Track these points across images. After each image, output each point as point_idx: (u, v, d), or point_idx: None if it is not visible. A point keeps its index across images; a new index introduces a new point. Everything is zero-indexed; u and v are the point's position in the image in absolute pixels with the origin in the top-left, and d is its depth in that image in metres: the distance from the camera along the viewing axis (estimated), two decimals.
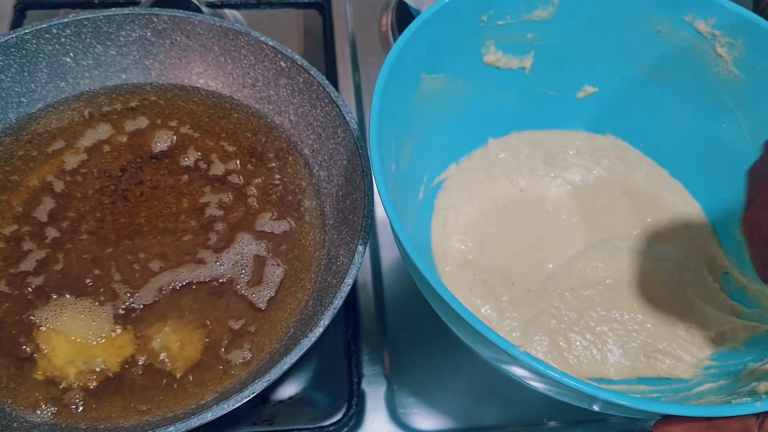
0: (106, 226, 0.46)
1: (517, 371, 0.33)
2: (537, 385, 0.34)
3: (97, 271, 0.44)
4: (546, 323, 0.43)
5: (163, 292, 0.44)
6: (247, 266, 0.45)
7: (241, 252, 0.46)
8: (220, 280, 0.44)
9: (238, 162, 0.50)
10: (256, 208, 0.48)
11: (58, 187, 0.47)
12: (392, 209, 0.34)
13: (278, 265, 0.45)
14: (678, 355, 0.42)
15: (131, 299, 0.43)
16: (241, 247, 0.46)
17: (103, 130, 0.50)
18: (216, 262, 0.45)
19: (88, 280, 0.43)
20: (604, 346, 0.43)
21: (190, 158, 0.50)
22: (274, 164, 0.50)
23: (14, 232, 0.45)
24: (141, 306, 0.43)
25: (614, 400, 0.29)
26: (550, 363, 0.42)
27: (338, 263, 0.44)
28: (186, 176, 0.49)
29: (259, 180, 0.49)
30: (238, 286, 0.44)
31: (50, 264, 0.44)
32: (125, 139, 0.50)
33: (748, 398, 0.33)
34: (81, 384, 0.40)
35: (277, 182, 0.49)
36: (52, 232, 0.45)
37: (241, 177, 0.49)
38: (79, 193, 0.47)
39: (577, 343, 0.43)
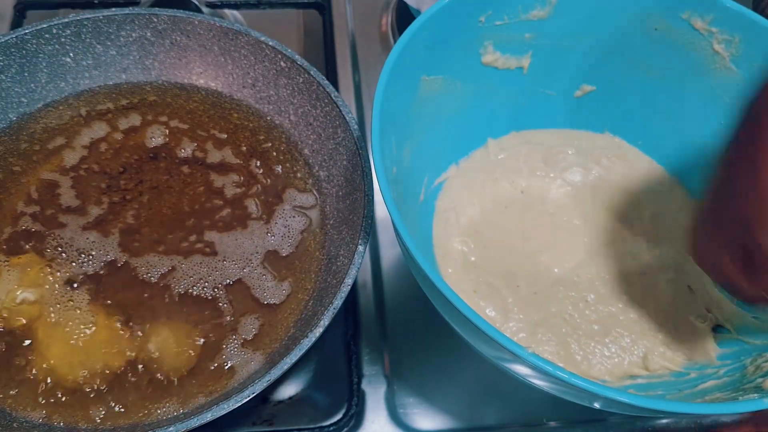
0: (133, 223, 0.46)
1: (522, 370, 0.33)
2: (540, 383, 0.34)
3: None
4: (555, 326, 0.44)
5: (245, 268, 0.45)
6: (292, 238, 0.47)
7: (287, 225, 0.47)
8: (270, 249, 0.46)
9: (230, 151, 0.51)
10: (267, 183, 0.49)
11: (65, 185, 0.47)
12: (396, 212, 0.34)
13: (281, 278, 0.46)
14: (680, 353, 0.43)
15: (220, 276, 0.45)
16: (285, 219, 0.48)
17: (102, 129, 0.50)
18: (267, 233, 0.47)
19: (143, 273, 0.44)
20: (609, 348, 0.43)
21: (187, 150, 0.50)
22: (273, 155, 0.51)
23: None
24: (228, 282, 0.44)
25: (619, 399, 0.29)
26: (558, 363, 0.42)
27: (338, 263, 0.44)
28: (187, 167, 0.49)
29: (259, 162, 0.50)
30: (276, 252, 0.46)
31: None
32: (124, 138, 0.50)
33: (755, 395, 0.33)
34: (81, 384, 0.40)
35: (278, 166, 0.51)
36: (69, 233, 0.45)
37: (242, 159, 0.50)
38: (86, 193, 0.47)
39: (585, 346, 0.43)
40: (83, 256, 0.44)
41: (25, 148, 0.48)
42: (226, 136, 0.51)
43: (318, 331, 0.38)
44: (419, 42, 0.41)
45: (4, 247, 0.44)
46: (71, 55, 0.50)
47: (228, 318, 0.43)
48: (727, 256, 0.30)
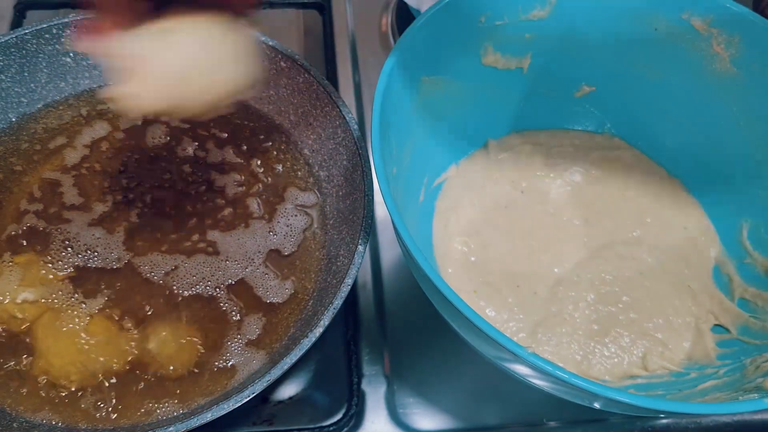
0: (137, 222, 0.46)
1: (522, 370, 0.33)
2: (540, 383, 0.34)
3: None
4: (556, 326, 0.44)
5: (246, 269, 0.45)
6: (294, 237, 0.47)
7: (289, 224, 0.47)
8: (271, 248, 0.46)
9: (231, 151, 0.51)
10: (267, 182, 0.49)
11: (67, 183, 0.47)
12: (396, 212, 0.34)
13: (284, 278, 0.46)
14: (680, 353, 0.43)
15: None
16: (287, 218, 0.48)
17: (103, 129, 0.50)
18: (269, 232, 0.47)
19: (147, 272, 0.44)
20: (609, 348, 0.43)
21: (188, 149, 0.50)
22: (274, 155, 0.50)
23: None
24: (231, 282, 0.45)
25: (619, 399, 0.29)
26: (558, 363, 0.42)
27: (338, 263, 0.44)
28: (188, 166, 0.49)
29: (260, 161, 0.50)
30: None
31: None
32: (126, 137, 0.50)
33: (755, 395, 0.33)
34: (81, 384, 0.40)
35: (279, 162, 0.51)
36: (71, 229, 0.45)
37: (243, 158, 0.50)
38: (89, 192, 0.47)
39: (585, 346, 0.43)
40: (89, 252, 0.44)
41: (26, 148, 0.49)
42: (226, 135, 0.51)
43: (318, 331, 0.38)
44: (419, 42, 0.41)
45: (8, 246, 0.44)
46: (71, 55, 0.50)
47: (231, 318, 0.43)
48: None
